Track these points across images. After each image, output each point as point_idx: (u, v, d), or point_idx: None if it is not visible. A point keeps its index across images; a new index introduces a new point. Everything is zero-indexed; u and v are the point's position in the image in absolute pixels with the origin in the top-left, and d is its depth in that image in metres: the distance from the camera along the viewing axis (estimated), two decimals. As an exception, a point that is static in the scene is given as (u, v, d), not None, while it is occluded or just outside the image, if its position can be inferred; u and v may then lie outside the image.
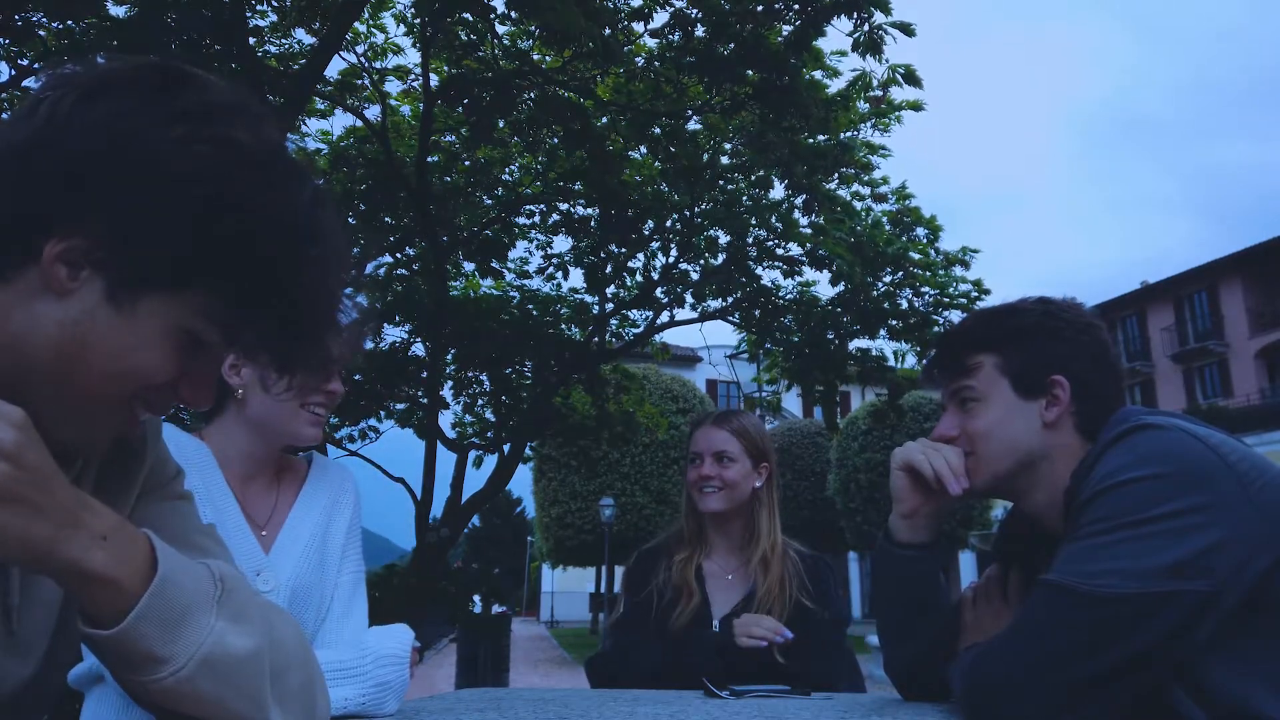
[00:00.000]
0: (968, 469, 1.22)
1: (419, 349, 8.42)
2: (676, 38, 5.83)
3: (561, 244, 8.92)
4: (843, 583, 28.75)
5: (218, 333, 0.70)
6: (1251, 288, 29.67)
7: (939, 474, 1.21)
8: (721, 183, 7.95)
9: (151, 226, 0.65)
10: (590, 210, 8.14)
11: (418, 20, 6.13)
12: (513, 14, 5.37)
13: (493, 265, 8.24)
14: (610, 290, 8.95)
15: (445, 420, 9.05)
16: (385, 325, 7.58)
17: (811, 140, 6.82)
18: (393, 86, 7.22)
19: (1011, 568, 1.28)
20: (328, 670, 0.98)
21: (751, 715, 1.18)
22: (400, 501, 8.10)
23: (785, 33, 5.51)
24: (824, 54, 6.56)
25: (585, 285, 8.87)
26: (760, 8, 5.33)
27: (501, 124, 6.49)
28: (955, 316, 8.32)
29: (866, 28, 5.04)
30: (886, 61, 5.41)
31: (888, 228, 8.28)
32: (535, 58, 6.37)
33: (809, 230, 8.02)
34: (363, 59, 6.69)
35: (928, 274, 8.35)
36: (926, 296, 8.47)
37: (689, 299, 8.96)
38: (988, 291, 8.53)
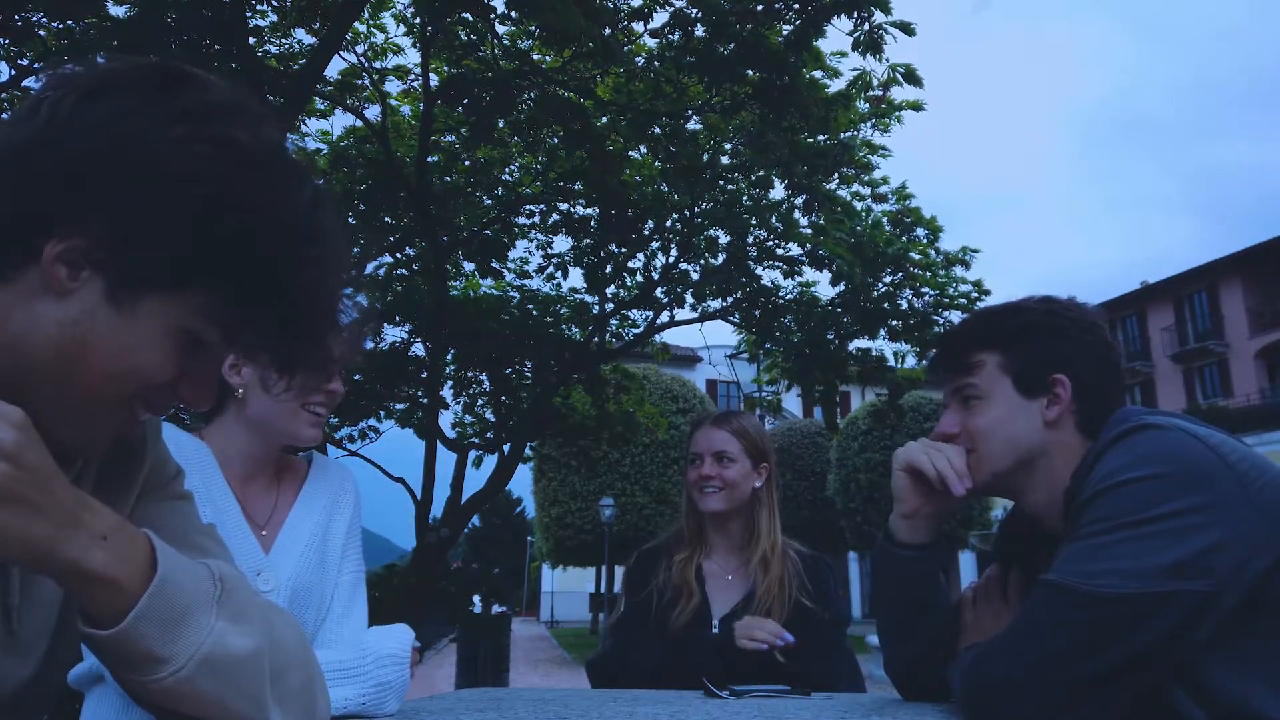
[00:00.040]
0: (968, 467, 1.22)
1: (419, 349, 8.43)
2: (676, 38, 5.83)
3: (561, 244, 8.94)
4: (843, 583, 28.76)
5: (218, 333, 0.70)
6: (1251, 288, 29.67)
7: (942, 474, 1.21)
8: (721, 183, 7.95)
9: (151, 226, 0.65)
10: (590, 210, 8.14)
11: (418, 20, 6.14)
12: (513, 14, 5.37)
13: (493, 265, 8.25)
14: (610, 290, 8.96)
15: (445, 420, 9.07)
16: (385, 325, 7.58)
17: (811, 140, 6.82)
18: (393, 86, 7.23)
19: (1011, 568, 1.28)
20: (328, 670, 0.98)
21: (751, 715, 1.18)
22: (400, 501, 8.11)
23: (785, 32, 5.51)
24: (824, 54, 6.56)
25: (585, 285, 8.87)
26: (760, 7, 5.33)
27: (501, 124, 6.49)
28: (955, 317, 8.32)
29: (866, 27, 5.04)
30: (887, 61, 5.41)
31: (888, 228, 8.28)
32: (535, 58, 6.37)
33: (809, 230, 8.02)
34: (363, 59, 6.69)
35: (928, 274, 8.35)
36: (926, 297, 8.47)
37: (689, 299, 8.97)
38: (988, 292, 8.54)
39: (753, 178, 7.90)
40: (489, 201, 8.32)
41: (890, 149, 7.86)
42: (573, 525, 24.19)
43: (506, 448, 8.51)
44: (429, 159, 6.96)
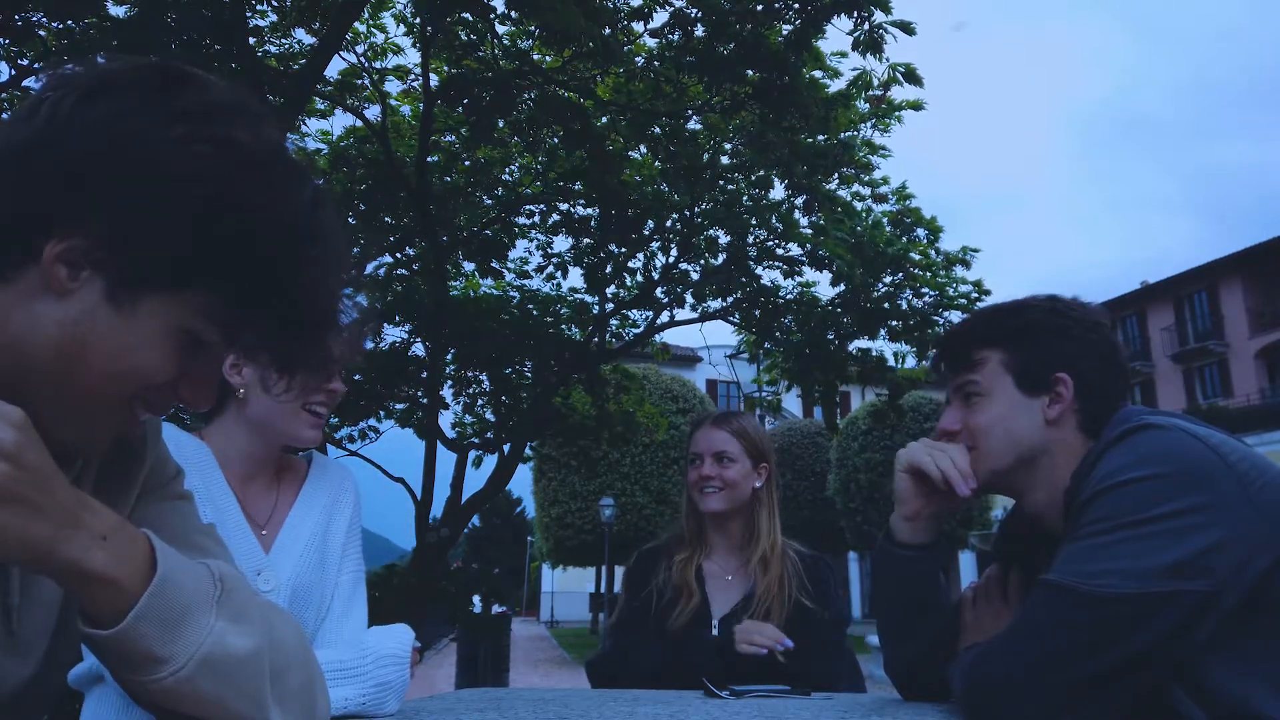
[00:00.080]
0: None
1: (419, 349, 8.43)
2: (676, 37, 5.83)
3: (561, 244, 8.94)
4: (843, 583, 28.75)
5: (218, 333, 0.70)
6: (1251, 288, 29.67)
7: (946, 475, 1.21)
8: (721, 183, 7.95)
9: (151, 226, 0.65)
10: (590, 210, 8.14)
11: (418, 20, 6.14)
12: (513, 14, 5.37)
13: (493, 265, 8.25)
14: (610, 290, 8.95)
15: (445, 420, 9.06)
16: (385, 325, 7.58)
17: (811, 140, 6.82)
18: (393, 86, 7.23)
19: (1011, 568, 1.28)
20: (328, 670, 0.98)
21: (751, 715, 1.18)
22: (400, 501, 8.10)
23: (785, 32, 5.51)
24: (824, 54, 6.56)
25: (585, 285, 8.87)
26: (760, 7, 5.33)
27: (501, 124, 6.49)
28: (955, 317, 8.31)
29: (867, 26, 5.04)
30: (887, 60, 5.42)
31: (888, 228, 8.28)
32: (535, 58, 6.37)
33: (809, 230, 8.02)
34: (363, 59, 6.69)
35: (928, 275, 8.35)
36: (927, 297, 8.47)
37: (689, 299, 8.97)
38: (988, 292, 8.53)
39: (753, 178, 7.90)
40: (489, 201, 8.32)
41: (890, 149, 7.87)
42: (573, 525, 24.19)
43: (506, 448, 8.51)
44: (429, 159, 6.96)
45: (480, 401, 9.41)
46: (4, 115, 4.02)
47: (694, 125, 7.22)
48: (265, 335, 0.72)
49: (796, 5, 5.29)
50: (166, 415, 0.85)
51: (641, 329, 9.40)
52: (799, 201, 7.68)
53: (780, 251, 8.38)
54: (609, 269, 8.65)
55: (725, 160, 7.76)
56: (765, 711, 1.22)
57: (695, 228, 8.13)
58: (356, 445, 8.86)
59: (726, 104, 6.21)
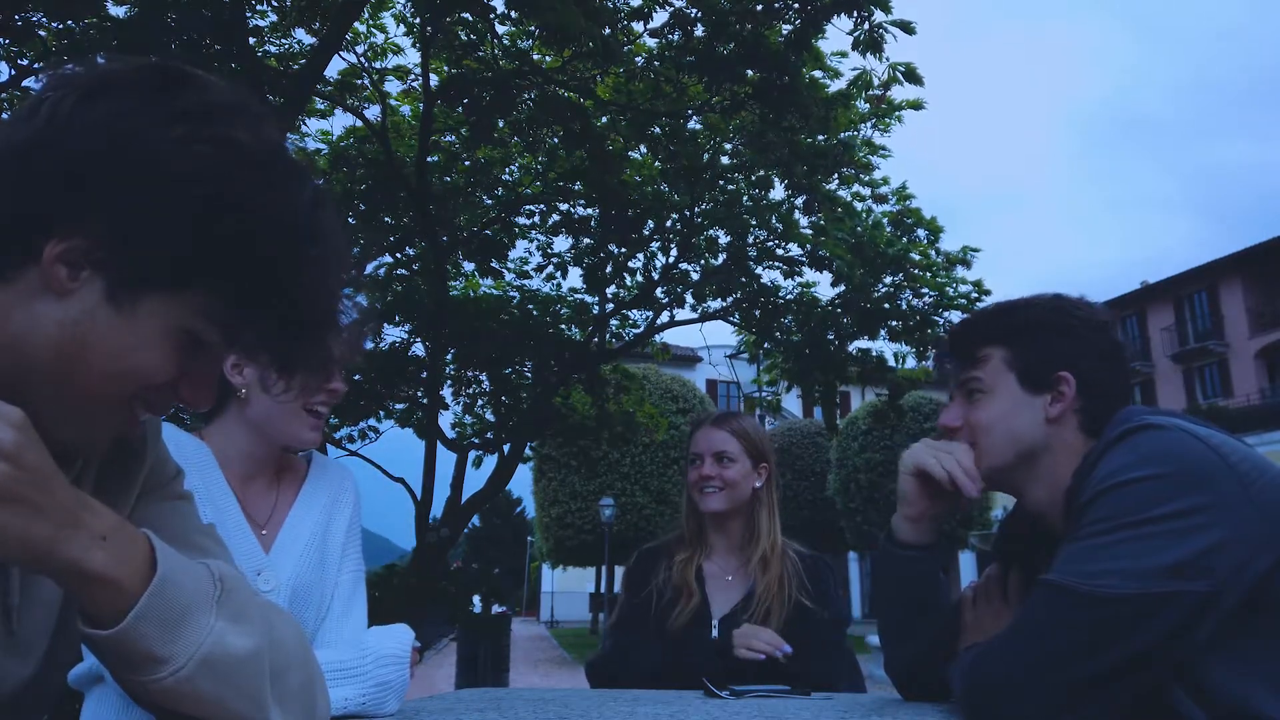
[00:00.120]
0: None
1: (419, 349, 8.43)
2: (676, 37, 5.83)
3: (561, 244, 8.94)
4: (843, 583, 28.77)
5: (218, 333, 0.70)
6: (1251, 288, 29.67)
7: (953, 477, 1.21)
8: (721, 183, 7.95)
9: (151, 226, 0.65)
10: (590, 210, 8.14)
11: (417, 20, 6.13)
12: (513, 14, 5.37)
13: (493, 265, 8.25)
14: (610, 290, 8.95)
15: (445, 420, 9.06)
16: (385, 325, 7.58)
17: (811, 140, 6.82)
18: (393, 86, 7.23)
19: (1011, 568, 1.28)
20: (328, 670, 0.98)
21: (751, 715, 1.18)
22: (400, 501, 8.11)
23: (785, 32, 5.51)
24: (824, 54, 6.56)
25: (585, 285, 8.87)
26: (760, 7, 5.33)
27: (501, 124, 6.49)
28: (955, 317, 8.31)
29: (866, 26, 5.04)
30: (887, 60, 5.42)
31: (888, 229, 8.28)
32: (535, 58, 6.37)
33: (809, 231, 8.02)
34: (363, 59, 6.69)
35: (928, 275, 8.35)
36: (926, 297, 8.47)
37: (689, 299, 8.97)
38: (988, 292, 8.54)
39: (753, 178, 7.90)
40: (489, 201, 8.32)
41: (890, 149, 7.87)
42: (573, 525, 24.19)
43: (506, 448, 8.51)
44: (429, 159, 6.96)
45: (480, 401, 9.41)
46: (4, 115, 4.02)
47: (694, 125, 7.22)
48: (265, 335, 0.72)
49: (796, 5, 5.29)
50: (166, 415, 0.85)
51: (641, 329, 9.40)
52: (799, 201, 7.68)
53: (780, 251, 8.38)
54: (609, 269, 8.65)
55: (725, 160, 7.76)
56: (765, 711, 1.22)
57: (695, 228, 8.13)
58: (356, 445, 8.87)
59: (726, 104, 6.22)
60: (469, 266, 8.58)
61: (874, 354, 8.86)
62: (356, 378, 6.94)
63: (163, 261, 0.66)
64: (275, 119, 0.73)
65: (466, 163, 7.80)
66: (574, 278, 10.43)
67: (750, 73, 5.65)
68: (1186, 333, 32.07)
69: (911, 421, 20.58)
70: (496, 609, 20.43)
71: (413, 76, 7.04)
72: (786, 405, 13.42)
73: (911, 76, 5.85)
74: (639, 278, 8.96)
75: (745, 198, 8.11)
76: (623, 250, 8.54)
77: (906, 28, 5.08)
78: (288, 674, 0.74)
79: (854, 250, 7.77)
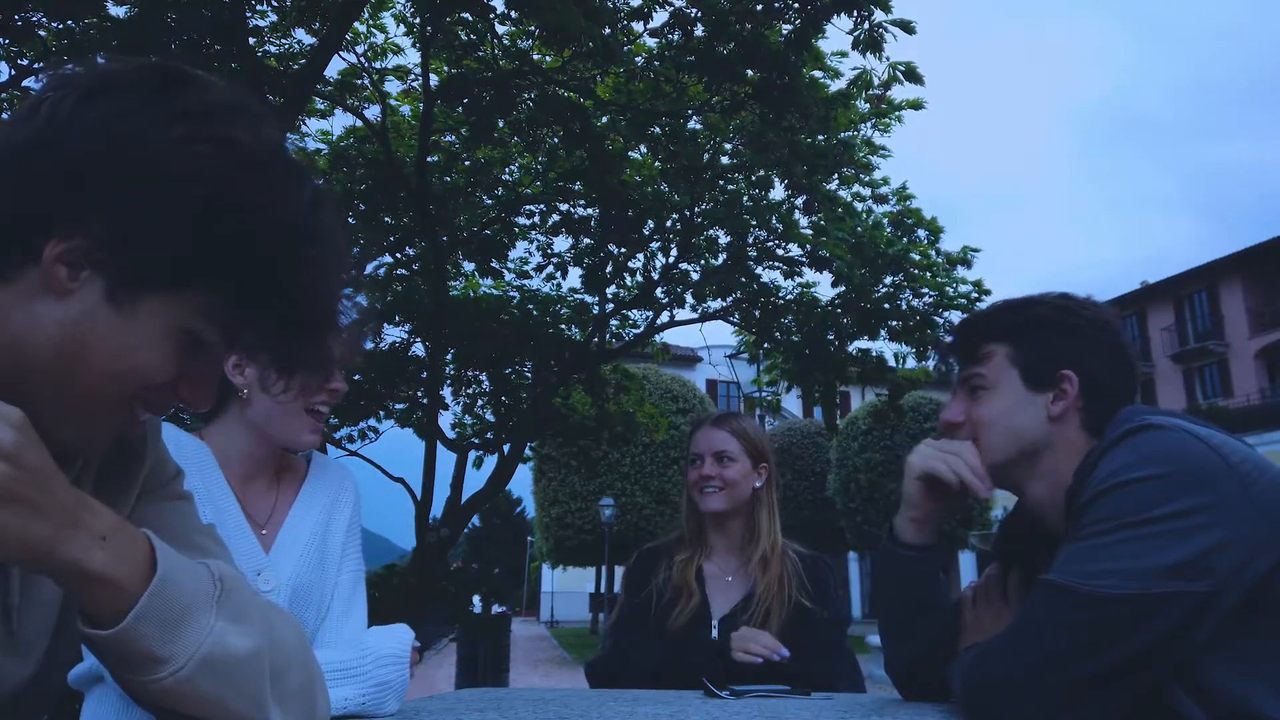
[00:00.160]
0: None
1: (419, 349, 8.43)
2: (676, 37, 5.83)
3: (561, 244, 8.94)
4: (843, 583, 28.76)
5: (218, 333, 0.70)
6: (1251, 288, 29.67)
7: (963, 479, 1.21)
8: (721, 183, 7.95)
9: (151, 226, 0.65)
10: (590, 210, 8.14)
11: (417, 20, 6.14)
12: (513, 14, 5.37)
13: (493, 265, 8.25)
14: (610, 290, 8.95)
15: (445, 420, 9.06)
16: (385, 325, 7.58)
17: (811, 140, 6.82)
18: (393, 86, 7.23)
19: (1011, 568, 1.28)
20: (328, 670, 0.98)
21: (751, 715, 1.18)
22: (400, 501, 8.11)
23: (785, 32, 5.51)
24: (824, 54, 6.56)
25: (585, 285, 8.87)
26: (760, 7, 5.33)
27: (501, 124, 6.49)
28: (955, 317, 8.31)
29: (866, 25, 5.04)
30: (887, 59, 5.42)
31: (888, 229, 8.28)
32: (535, 58, 6.37)
33: (809, 231, 8.02)
34: (363, 59, 6.69)
35: (928, 275, 8.35)
36: (927, 298, 8.47)
37: (689, 299, 8.97)
38: (988, 292, 8.54)
39: (753, 178, 7.90)
40: (489, 201, 8.32)
41: (890, 149, 7.87)
42: (573, 525, 24.19)
43: (506, 448, 8.51)
44: (429, 159, 6.96)
45: (480, 402, 9.41)
46: (4, 115, 4.02)
47: (694, 125, 7.22)
48: (265, 335, 0.72)
49: (796, 5, 5.29)
50: (166, 415, 0.85)
51: (641, 329, 9.40)
52: (799, 201, 7.68)
53: (780, 252, 8.38)
54: (609, 269, 8.65)
55: (725, 160, 7.76)
56: (765, 711, 1.22)
57: (695, 228, 8.13)
58: (356, 445, 8.87)
59: (726, 104, 6.22)
60: (469, 266, 8.58)
61: (874, 354, 8.86)
62: (356, 378, 6.94)
63: (163, 261, 0.66)
64: (275, 119, 0.73)
65: (466, 163, 7.80)
66: (574, 278, 10.42)
67: (750, 73, 5.66)
68: (1186, 333, 32.07)
69: (911, 421, 20.58)
70: (496, 609, 20.46)
71: (413, 76, 7.04)
72: (786, 405, 13.42)
73: (911, 76, 5.85)
74: (639, 278, 8.97)
75: (745, 198, 8.11)
76: (623, 250, 8.53)
77: (906, 27, 5.08)
78: (288, 674, 0.74)
79: (854, 250, 7.77)
